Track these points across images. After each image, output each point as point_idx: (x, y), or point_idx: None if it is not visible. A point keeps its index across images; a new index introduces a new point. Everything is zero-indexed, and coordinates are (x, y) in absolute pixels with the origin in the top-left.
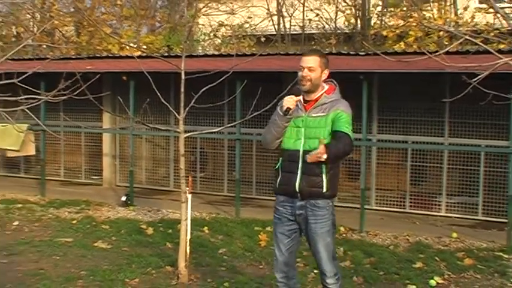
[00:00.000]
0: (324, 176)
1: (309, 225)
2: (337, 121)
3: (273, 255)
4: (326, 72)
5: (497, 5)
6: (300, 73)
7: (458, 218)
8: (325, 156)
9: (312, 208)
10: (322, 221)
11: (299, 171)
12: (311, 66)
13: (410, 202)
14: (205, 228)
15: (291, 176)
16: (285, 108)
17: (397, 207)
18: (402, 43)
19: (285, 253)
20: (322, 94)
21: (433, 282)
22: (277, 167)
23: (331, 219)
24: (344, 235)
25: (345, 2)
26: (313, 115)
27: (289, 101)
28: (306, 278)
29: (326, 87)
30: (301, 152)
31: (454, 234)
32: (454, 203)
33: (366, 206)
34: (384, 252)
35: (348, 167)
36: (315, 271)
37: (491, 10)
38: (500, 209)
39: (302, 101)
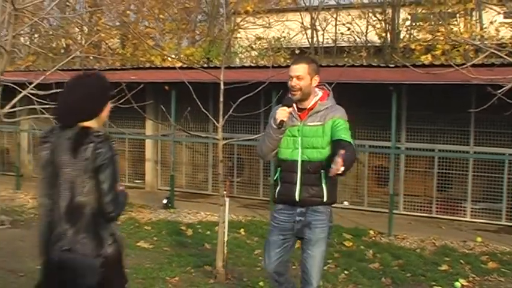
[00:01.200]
0: (324, 186)
1: (308, 230)
2: (336, 130)
3: (263, 262)
4: (317, 79)
5: None
6: (289, 82)
7: (482, 223)
8: (342, 168)
9: (312, 213)
10: (321, 226)
11: (298, 182)
12: (299, 74)
13: (437, 207)
14: (242, 230)
15: (290, 187)
16: (278, 121)
17: (424, 212)
18: (429, 55)
19: (273, 262)
20: (316, 102)
21: (458, 285)
22: (276, 177)
23: (329, 225)
24: (373, 238)
25: (376, 16)
26: (310, 124)
27: (282, 113)
28: (337, 279)
29: (320, 93)
30: (299, 162)
31: (479, 239)
32: (479, 208)
33: (395, 211)
34: (411, 255)
35: (377, 173)
36: (346, 272)
37: None
38: None
39: (296, 109)
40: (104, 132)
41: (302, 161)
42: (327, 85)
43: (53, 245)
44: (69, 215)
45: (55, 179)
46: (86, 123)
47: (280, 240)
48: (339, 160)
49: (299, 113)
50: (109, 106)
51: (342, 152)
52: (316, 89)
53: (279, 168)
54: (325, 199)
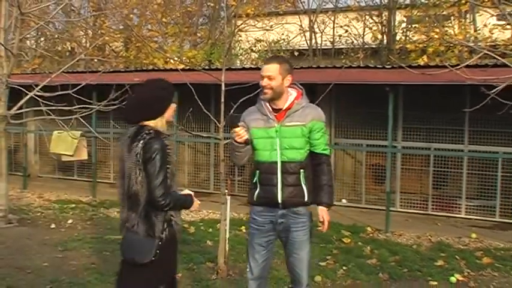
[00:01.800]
0: (304, 186)
1: (291, 233)
2: (315, 136)
3: (247, 268)
4: (289, 78)
5: None
6: (260, 82)
7: (477, 219)
8: (327, 214)
9: (294, 216)
10: (303, 229)
11: (279, 183)
12: (270, 74)
13: (433, 205)
14: (243, 227)
15: (271, 189)
16: (243, 140)
17: (420, 209)
18: (425, 57)
19: (260, 264)
20: (293, 101)
21: (453, 279)
22: (254, 180)
23: (310, 226)
24: (371, 235)
25: (372, 19)
26: (288, 124)
27: (241, 136)
28: (336, 274)
29: (294, 93)
30: (279, 164)
31: (473, 235)
32: (473, 205)
33: (391, 208)
34: (407, 251)
35: (375, 171)
36: (344, 267)
37: (508, 27)
38: None
39: (271, 110)
40: (157, 129)
41: (282, 162)
42: (298, 84)
43: (124, 225)
44: (130, 201)
45: (122, 172)
46: (150, 122)
47: (264, 243)
48: (323, 222)
49: (275, 114)
50: (173, 108)
51: (325, 215)
52: (289, 89)
53: (257, 171)
54: (306, 199)
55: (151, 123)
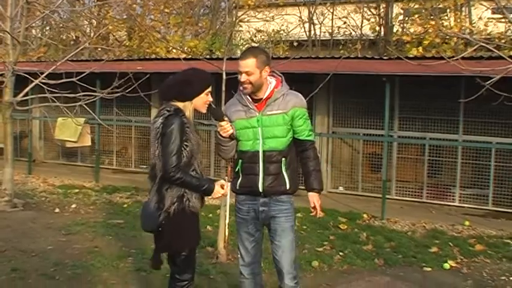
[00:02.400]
0: (285, 174)
1: (273, 220)
2: (298, 122)
3: (238, 255)
4: (267, 69)
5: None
6: (239, 77)
7: (470, 208)
8: (318, 199)
9: (276, 203)
10: (286, 215)
11: (261, 172)
12: (248, 70)
13: (427, 193)
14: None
15: (253, 178)
16: (228, 135)
17: (415, 197)
18: (421, 48)
19: (250, 251)
20: (272, 90)
21: (446, 266)
22: (237, 169)
23: (293, 214)
24: (367, 222)
25: (370, 11)
26: (269, 113)
27: (227, 130)
28: (332, 260)
29: (273, 82)
30: (261, 153)
31: (467, 223)
32: (467, 194)
33: (387, 196)
34: (402, 237)
35: (371, 160)
36: (341, 253)
37: (502, 20)
38: (509, 200)
39: (251, 100)
40: (178, 108)
41: (264, 151)
42: (277, 72)
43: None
44: (150, 174)
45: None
46: (179, 104)
47: (252, 231)
48: (315, 207)
49: (255, 104)
50: (205, 97)
51: (316, 201)
52: (268, 78)
53: (240, 160)
54: (287, 187)
55: (181, 105)
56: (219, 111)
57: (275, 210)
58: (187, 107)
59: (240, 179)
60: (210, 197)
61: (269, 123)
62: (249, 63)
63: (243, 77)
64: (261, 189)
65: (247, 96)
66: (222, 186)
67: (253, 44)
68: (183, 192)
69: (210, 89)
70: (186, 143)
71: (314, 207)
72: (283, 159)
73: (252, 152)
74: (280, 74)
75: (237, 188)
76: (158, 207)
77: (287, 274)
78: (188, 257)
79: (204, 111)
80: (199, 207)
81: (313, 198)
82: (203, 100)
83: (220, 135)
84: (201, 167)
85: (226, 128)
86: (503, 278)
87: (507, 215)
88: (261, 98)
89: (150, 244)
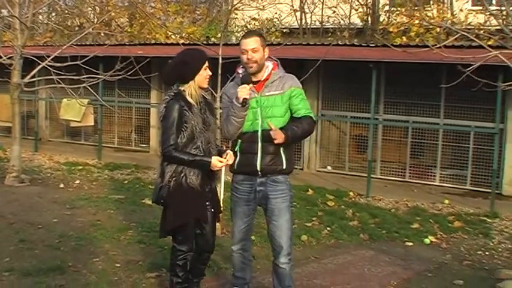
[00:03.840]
0: (283, 154)
1: (270, 200)
2: (295, 101)
3: (231, 230)
4: (267, 51)
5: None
6: (244, 57)
7: (449, 187)
8: (278, 141)
9: (272, 184)
10: (282, 196)
11: (259, 152)
12: (254, 47)
13: (410, 173)
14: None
15: (251, 157)
16: (241, 99)
17: (398, 177)
18: (405, 37)
19: (242, 230)
20: (270, 72)
21: (427, 241)
22: (236, 149)
23: (290, 194)
24: (353, 199)
25: (358, 1)
26: (267, 94)
27: (243, 92)
28: (320, 234)
29: (270, 65)
30: (259, 133)
31: (446, 201)
32: (447, 174)
33: (372, 175)
34: (386, 214)
35: (357, 141)
36: (328, 228)
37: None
38: (486, 180)
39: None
40: (178, 92)
41: (262, 131)
42: (273, 57)
43: None
44: (160, 152)
45: None
46: (185, 86)
47: (246, 210)
48: (274, 132)
49: (254, 86)
50: (205, 73)
51: (271, 125)
52: (265, 62)
53: (239, 141)
54: (284, 167)
55: (185, 86)
56: (247, 77)
57: (272, 191)
58: (192, 86)
59: (238, 158)
60: (212, 169)
61: (267, 104)
62: (254, 41)
63: (249, 55)
64: (258, 168)
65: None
66: (220, 161)
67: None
68: (181, 168)
69: (207, 64)
70: (185, 125)
71: (274, 130)
72: None
73: (251, 132)
74: (276, 59)
75: (235, 168)
76: (161, 181)
77: (283, 252)
78: (186, 229)
79: (206, 86)
80: (198, 183)
81: (277, 130)
82: (203, 76)
83: (237, 100)
84: (213, 144)
85: (243, 90)
86: (479, 252)
87: (484, 194)
88: (259, 80)
89: (149, 218)
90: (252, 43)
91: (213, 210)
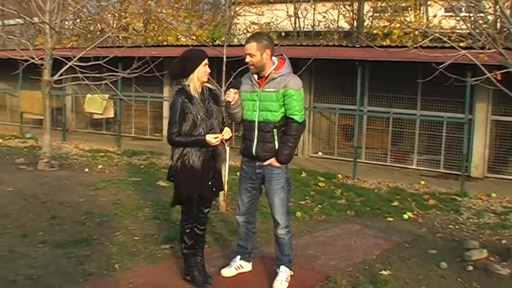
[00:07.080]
0: (276, 143)
1: (266, 182)
2: (287, 101)
3: (236, 204)
4: (268, 52)
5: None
6: (247, 58)
7: (425, 170)
8: (279, 166)
9: (268, 168)
10: (277, 179)
11: (255, 139)
12: (250, 52)
13: (391, 157)
14: (238, 173)
15: (250, 143)
16: (224, 103)
17: (381, 161)
18: (388, 40)
19: (246, 204)
20: (271, 71)
21: (406, 216)
22: (241, 134)
23: (285, 177)
24: (341, 181)
25: (345, 8)
26: (266, 90)
27: (229, 96)
28: (312, 211)
29: (276, 63)
30: (256, 122)
31: (422, 182)
32: (423, 159)
33: (358, 160)
34: (370, 193)
35: (345, 130)
36: (319, 206)
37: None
38: (457, 164)
39: (256, 77)
40: (182, 88)
41: (259, 121)
42: (284, 55)
43: None
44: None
45: None
46: (187, 80)
47: (249, 187)
48: (272, 161)
49: (258, 81)
50: (204, 68)
51: (271, 162)
52: (274, 59)
53: (243, 127)
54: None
55: (188, 81)
56: (236, 82)
57: (268, 174)
58: (193, 79)
59: (243, 143)
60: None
61: (264, 99)
62: (250, 47)
63: (247, 58)
64: (254, 153)
65: (255, 74)
66: (215, 138)
67: (248, 34)
68: (186, 151)
69: (206, 61)
70: (188, 115)
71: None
72: (274, 130)
73: (250, 120)
74: (285, 57)
75: (241, 150)
76: (172, 161)
77: (279, 225)
78: (189, 203)
79: (205, 79)
80: (200, 164)
81: (272, 161)
82: (203, 71)
83: (227, 101)
84: (216, 129)
85: (229, 94)
86: (450, 226)
87: (455, 176)
88: (263, 76)
89: (163, 198)
90: (248, 49)
91: (214, 189)
